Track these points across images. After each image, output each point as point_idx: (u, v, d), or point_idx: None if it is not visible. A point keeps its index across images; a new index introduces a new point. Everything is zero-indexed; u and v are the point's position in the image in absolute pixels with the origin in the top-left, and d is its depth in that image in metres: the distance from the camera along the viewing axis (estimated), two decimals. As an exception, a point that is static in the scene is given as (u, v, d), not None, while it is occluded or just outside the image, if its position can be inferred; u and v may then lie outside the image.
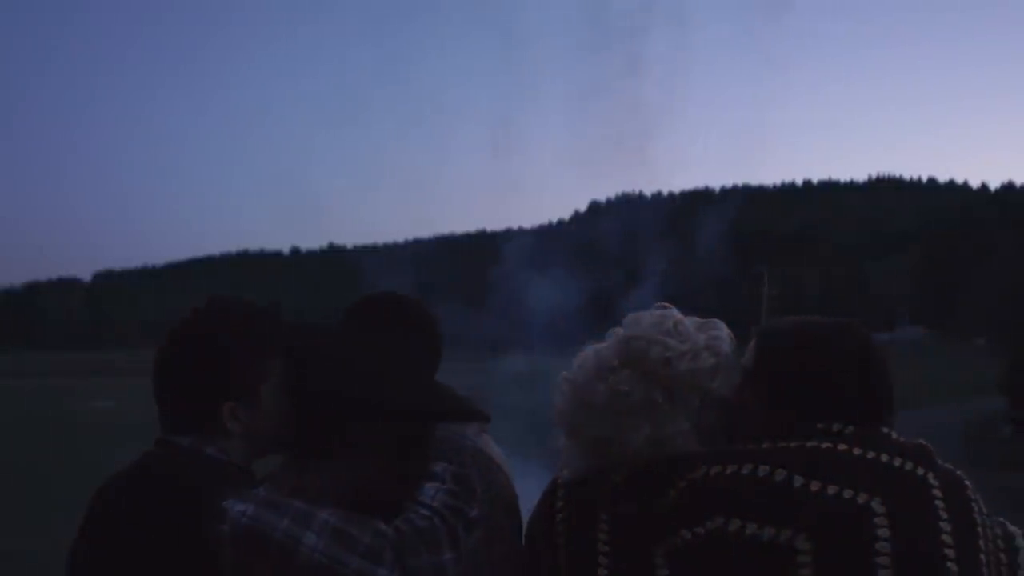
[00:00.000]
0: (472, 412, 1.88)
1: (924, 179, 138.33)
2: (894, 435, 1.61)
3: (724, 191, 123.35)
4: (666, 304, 1.77)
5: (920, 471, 1.54)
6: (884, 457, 1.53)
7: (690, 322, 1.70)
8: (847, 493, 1.49)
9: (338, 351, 1.93)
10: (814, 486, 1.49)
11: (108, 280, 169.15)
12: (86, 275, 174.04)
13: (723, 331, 1.70)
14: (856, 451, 1.54)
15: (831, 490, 1.49)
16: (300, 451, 1.83)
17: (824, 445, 1.55)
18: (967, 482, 1.56)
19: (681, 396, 1.63)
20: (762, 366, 1.68)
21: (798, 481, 1.50)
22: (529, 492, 1.91)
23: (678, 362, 1.63)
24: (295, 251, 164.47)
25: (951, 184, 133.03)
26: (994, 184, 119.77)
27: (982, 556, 1.49)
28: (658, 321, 1.69)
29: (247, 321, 1.83)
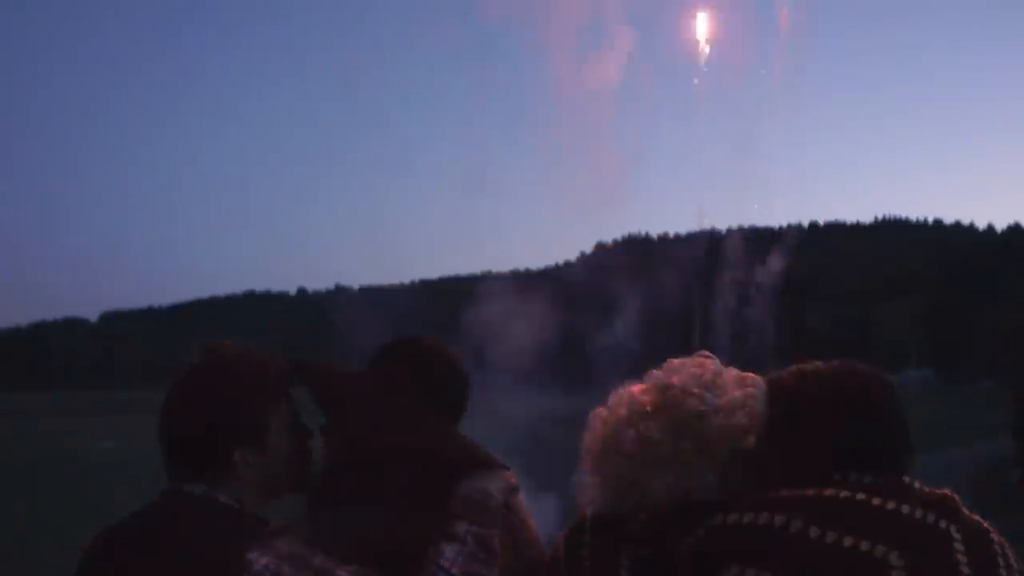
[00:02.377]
0: (490, 461, 1.85)
1: (930, 221, 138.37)
2: (917, 485, 1.59)
3: (731, 232, 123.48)
4: (708, 353, 1.75)
5: (942, 524, 1.50)
6: (905, 508, 1.51)
7: (729, 376, 1.70)
8: (864, 545, 1.46)
9: (362, 396, 1.90)
10: (830, 537, 1.47)
11: (114, 320, 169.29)
12: (92, 315, 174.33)
13: (760, 388, 1.69)
14: (875, 501, 1.51)
15: (848, 542, 1.46)
16: (320, 497, 1.81)
17: (843, 495, 1.53)
18: (993, 535, 1.53)
19: (710, 450, 1.62)
20: (775, 416, 1.67)
21: (814, 532, 1.47)
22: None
23: (712, 417, 1.62)
24: (301, 292, 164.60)
25: (958, 226, 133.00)
26: (1000, 226, 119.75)
27: None
28: (697, 372, 1.68)
29: (253, 366, 1.83)
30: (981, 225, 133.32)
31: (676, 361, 1.73)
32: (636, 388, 1.71)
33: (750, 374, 1.72)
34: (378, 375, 1.96)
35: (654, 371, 1.73)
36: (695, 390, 1.64)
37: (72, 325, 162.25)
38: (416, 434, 1.85)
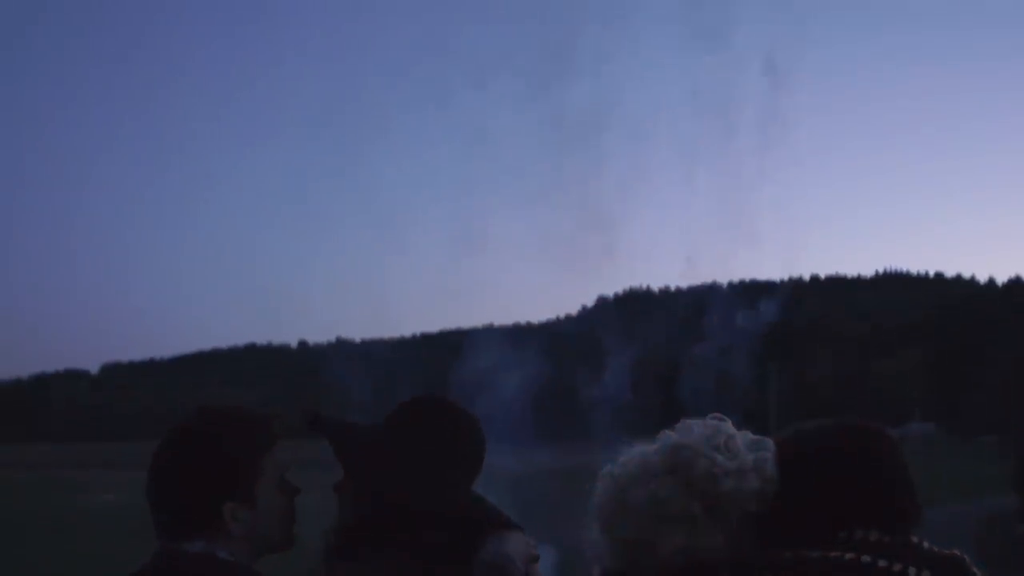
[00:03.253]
0: (509, 522, 1.86)
1: (931, 273, 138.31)
2: (926, 544, 1.56)
3: (732, 286, 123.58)
4: (721, 416, 1.73)
5: None
6: (911, 571, 1.48)
7: (742, 438, 1.68)
8: None
9: (382, 451, 1.90)
10: None
11: (115, 372, 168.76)
12: (93, 367, 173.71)
13: (771, 451, 1.67)
14: (881, 563, 1.50)
15: None
16: (338, 552, 1.85)
17: (847, 556, 1.51)
18: None
19: (721, 513, 1.61)
20: (781, 476, 1.66)
21: None
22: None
23: (723, 480, 1.61)
24: (302, 344, 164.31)
25: (958, 278, 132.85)
26: (1001, 278, 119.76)
27: None
28: (710, 434, 1.67)
29: (242, 422, 1.84)
30: (982, 278, 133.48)
31: (689, 421, 1.72)
32: (647, 447, 1.71)
33: (763, 438, 1.71)
34: (397, 432, 1.95)
35: (666, 431, 1.72)
36: (707, 452, 1.63)
37: (73, 377, 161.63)
38: (437, 492, 1.85)
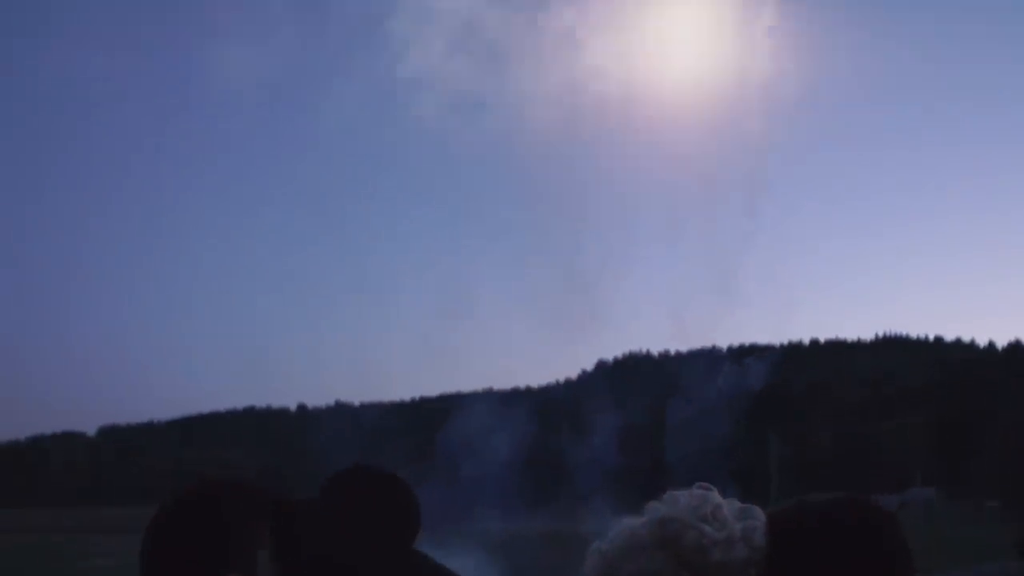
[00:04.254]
0: None
1: (931, 337, 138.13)
2: None
3: (731, 350, 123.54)
4: (707, 485, 1.73)
5: None
6: None
7: (729, 508, 1.68)
8: None
9: (320, 521, 1.92)
10: None
11: (113, 434, 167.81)
12: (91, 429, 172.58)
13: (760, 520, 1.66)
14: None
15: None
16: None
17: None
18: None
19: None
20: (775, 553, 1.64)
21: None
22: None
23: (712, 551, 1.59)
24: (301, 408, 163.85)
25: (958, 342, 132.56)
26: (1001, 342, 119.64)
27: None
28: (697, 504, 1.66)
29: (241, 491, 1.85)
30: (982, 342, 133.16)
31: (675, 492, 1.71)
32: (634, 521, 1.69)
33: (751, 506, 1.70)
34: (330, 501, 1.98)
35: (653, 503, 1.71)
36: (695, 523, 1.61)
37: (71, 439, 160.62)
38: (373, 557, 1.88)
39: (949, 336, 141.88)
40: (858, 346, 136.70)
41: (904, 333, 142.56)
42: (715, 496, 1.68)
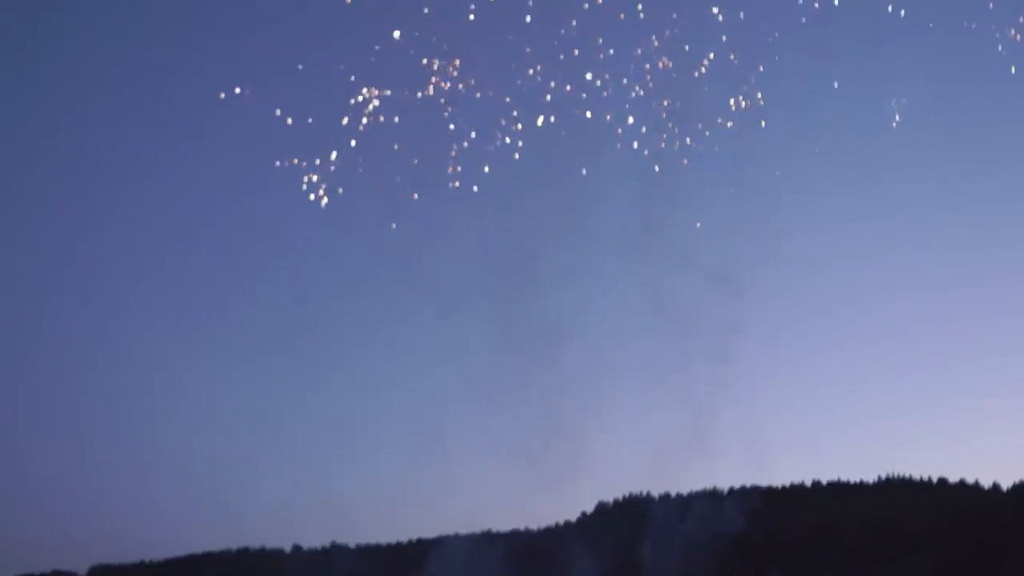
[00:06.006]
0: None
1: (935, 479, 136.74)
2: None
3: (732, 492, 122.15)
4: None
5: None
6: None
7: None
8: None
9: None
10: None
11: (104, 574, 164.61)
12: (82, 569, 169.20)
13: None
14: None
15: None
16: None
17: None
18: None
19: None
20: None
21: None
22: None
23: None
24: (296, 548, 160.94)
25: (962, 484, 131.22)
26: (1006, 484, 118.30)
27: None
28: None
29: None
30: (986, 483, 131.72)
31: None
32: None
33: None
34: None
35: None
36: None
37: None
38: None
39: (953, 478, 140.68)
40: (861, 488, 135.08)
41: (907, 475, 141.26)
42: None
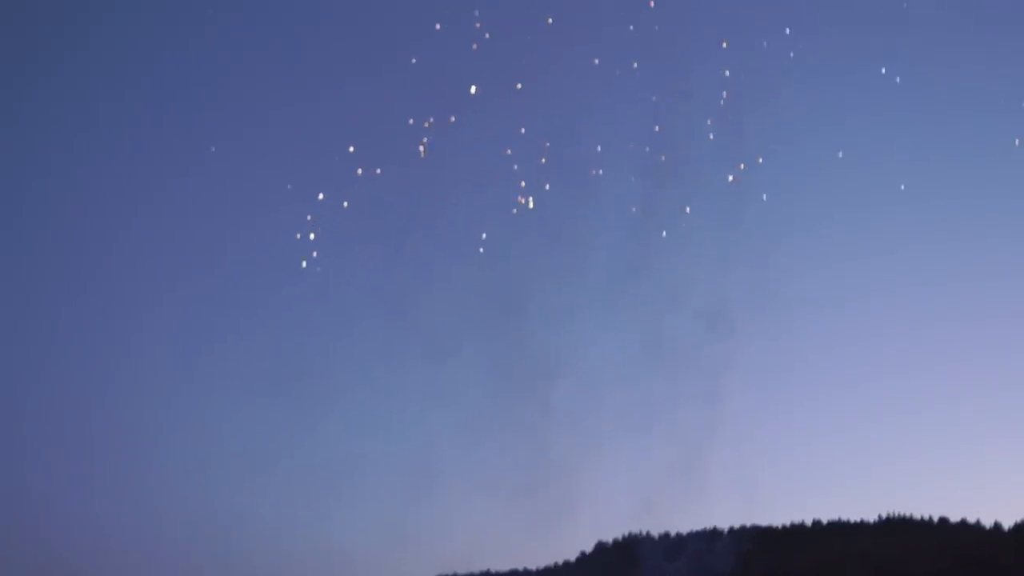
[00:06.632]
0: None
1: (935, 519, 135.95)
2: None
3: (732, 531, 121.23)
4: None
5: None
6: None
7: None
8: None
9: None
10: None
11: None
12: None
13: None
14: None
15: None
16: None
17: None
18: None
19: None
20: None
21: None
22: None
23: None
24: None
25: (963, 523, 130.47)
26: (1007, 523, 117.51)
27: None
28: None
29: None
30: (987, 523, 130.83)
31: None
32: None
33: None
34: None
35: None
36: None
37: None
38: None
39: (954, 517, 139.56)
40: (861, 527, 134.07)
41: (908, 514, 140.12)
42: None
